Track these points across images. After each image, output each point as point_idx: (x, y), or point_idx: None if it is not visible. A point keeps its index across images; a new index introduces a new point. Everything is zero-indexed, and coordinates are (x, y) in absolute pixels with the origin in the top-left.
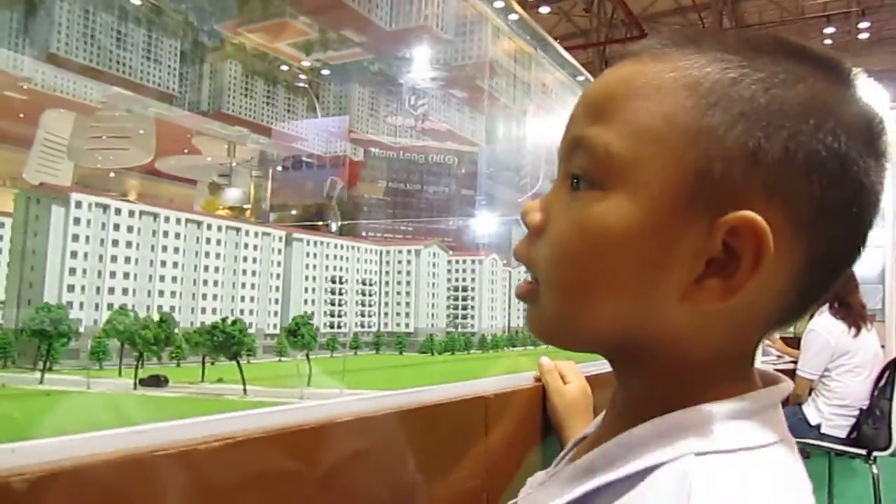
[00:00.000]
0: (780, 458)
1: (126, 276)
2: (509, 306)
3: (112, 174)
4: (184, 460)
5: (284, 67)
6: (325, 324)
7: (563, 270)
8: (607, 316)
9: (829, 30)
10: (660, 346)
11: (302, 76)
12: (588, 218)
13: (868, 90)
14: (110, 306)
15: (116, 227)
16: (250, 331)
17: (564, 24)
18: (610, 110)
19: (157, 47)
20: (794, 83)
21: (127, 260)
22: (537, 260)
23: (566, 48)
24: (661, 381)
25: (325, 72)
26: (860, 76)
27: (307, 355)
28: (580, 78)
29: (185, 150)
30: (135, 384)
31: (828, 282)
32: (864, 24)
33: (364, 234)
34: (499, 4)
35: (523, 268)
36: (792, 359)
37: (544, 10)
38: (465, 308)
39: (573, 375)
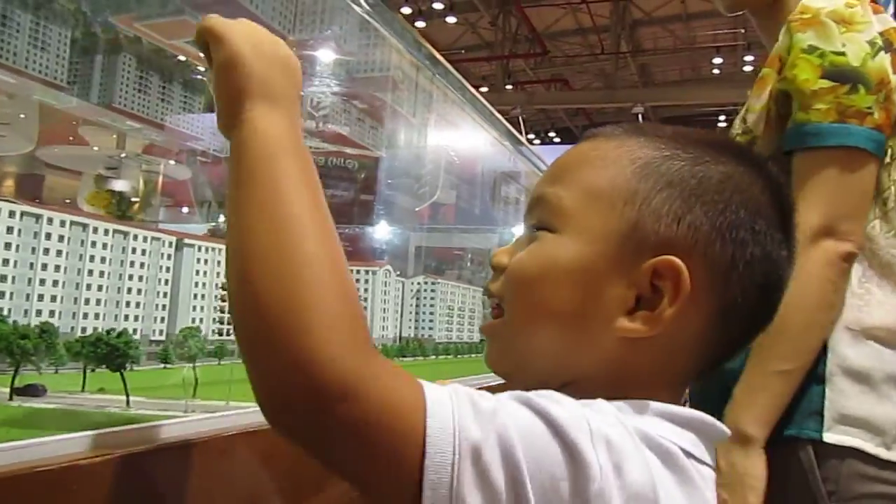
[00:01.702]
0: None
1: (3, 279)
2: (401, 317)
3: None
4: (66, 477)
5: (181, 63)
6: (213, 330)
7: (518, 290)
8: (548, 344)
9: (717, 60)
10: (595, 378)
11: (199, 74)
12: (541, 250)
13: (779, 178)
14: None
15: None
16: (135, 337)
17: (470, 35)
18: (565, 174)
19: (46, 35)
20: (715, 165)
21: (5, 262)
22: (501, 291)
23: (470, 59)
24: None
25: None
26: (771, 167)
27: (193, 368)
28: (470, 94)
29: (71, 138)
30: (10, 395)
31: (740, 334)
32: (749, 58)
33: None
34: (393, 19)
35: (418, 279)
36: None
37: (451, 19)
38: None
39: None
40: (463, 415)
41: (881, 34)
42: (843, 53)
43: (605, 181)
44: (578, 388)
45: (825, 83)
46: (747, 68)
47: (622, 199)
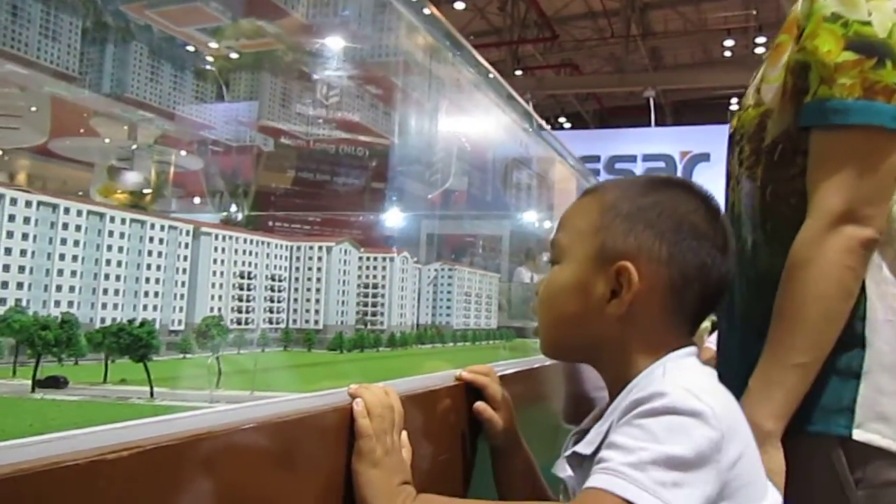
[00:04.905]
0: (709, 370)
1: (21, 269)
2: (418, 303)
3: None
4: (93, 472)
5: (193, 52)
6: (232, 320)
7: (542, 306)
8: (568, 332)
9: (729, 42)
10: (606, 347)
11: (211, 62)
12: (551, 278)
13: (700, 192)
14: (3, 301)
15: (11, 217)
16: (156, 326)
17: (478, 21)
18: (564, 223)
19: (58, 25)
20: (651, 196)
21: (22, 252)
22: (536, 307)
23: (479, 45)
24: (620, 364)
25: (236, 58)
26: (695, 186)
27: (217, 358)
28: (490, 75)
29: (82, 131)
30: (32, 387)
31: (697, 300)
32: (761, 40)
33: (270, 223)
34: None
35: (434, 266)
36: None
37: (459, 5)
38: (374, 305)
39: (497, 398)
40: None
41: None
42: (868, 23)
43: (583, 223)
44: (594, 356)
45: (849, 55)
46: (759, 50)
47: (592, 231)
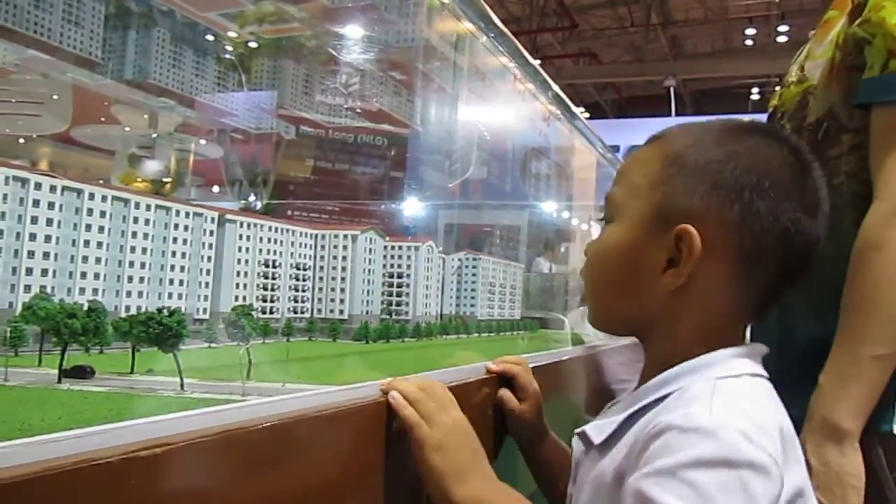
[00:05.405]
0: (764, 381)
1: (46, 255)
2: (442, 293)
3: (21, 141)
4: (125, 469)
5: (215, 38)
6: (256, 309)
7: (589, 269)
8: (616, 302)
9: (751, 31)
10: (657, 323)
11: (233, 49)
12: (602, 238)
13: (791, 142)
14: (27, 288)
15: (36, 203)
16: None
17: (497, 10)
18: (620, 177)
19: (80, 10)
20: (726, 146)
21: (47, 239)
22: (583, 271)
23: None
24: (666, 345)
25: (258, 45)
26: (787, 136)
27: (247, 349)
28: (512, 65)
29: (103, 119)
30: (59, 377)
31: (771, 281)
32: (783, 28)
33: (289, 212)
34: None
35: (459, 255)
36: None
37: None
38: (399, 295)
39: (527, 388)
40: None
41: None
42: None
43: (641, 176)
44: (644, 331)
45: None
46: (781, 39)
47: (651, 186)
